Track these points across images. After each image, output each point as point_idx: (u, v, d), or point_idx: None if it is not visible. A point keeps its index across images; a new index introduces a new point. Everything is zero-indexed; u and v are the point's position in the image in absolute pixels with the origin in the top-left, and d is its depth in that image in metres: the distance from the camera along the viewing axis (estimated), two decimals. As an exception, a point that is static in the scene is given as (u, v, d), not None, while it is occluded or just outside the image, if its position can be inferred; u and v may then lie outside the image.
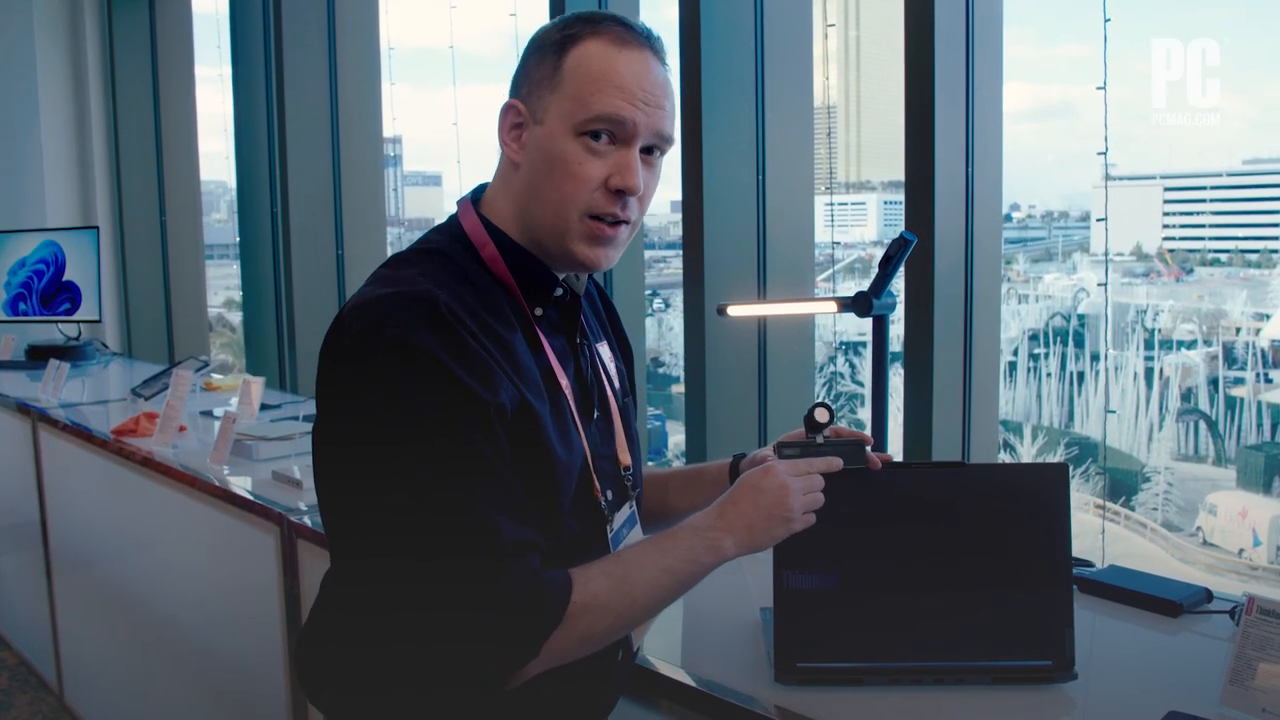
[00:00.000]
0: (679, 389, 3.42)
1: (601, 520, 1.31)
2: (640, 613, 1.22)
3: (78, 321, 4.62)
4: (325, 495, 1.23)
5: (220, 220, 6.91)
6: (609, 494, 1.33)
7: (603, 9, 3.47)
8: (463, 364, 1.13)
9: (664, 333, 7.09)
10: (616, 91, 1.20)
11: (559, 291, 1.31)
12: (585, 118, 1.20)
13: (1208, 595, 1.64)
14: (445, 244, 1.28)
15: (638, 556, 1.23)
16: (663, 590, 1.23)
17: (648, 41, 1.24)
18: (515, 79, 1.28)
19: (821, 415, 1.41)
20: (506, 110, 1.26)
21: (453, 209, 1.35)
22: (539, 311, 1.29)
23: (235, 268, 5.61)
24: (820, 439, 1.41)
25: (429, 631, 1.12)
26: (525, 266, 1.28)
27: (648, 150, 1.25)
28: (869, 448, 1.41)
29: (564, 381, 1.28)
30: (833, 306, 2.01)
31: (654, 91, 1.22)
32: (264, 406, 3.22)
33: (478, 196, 1.33)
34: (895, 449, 2.85)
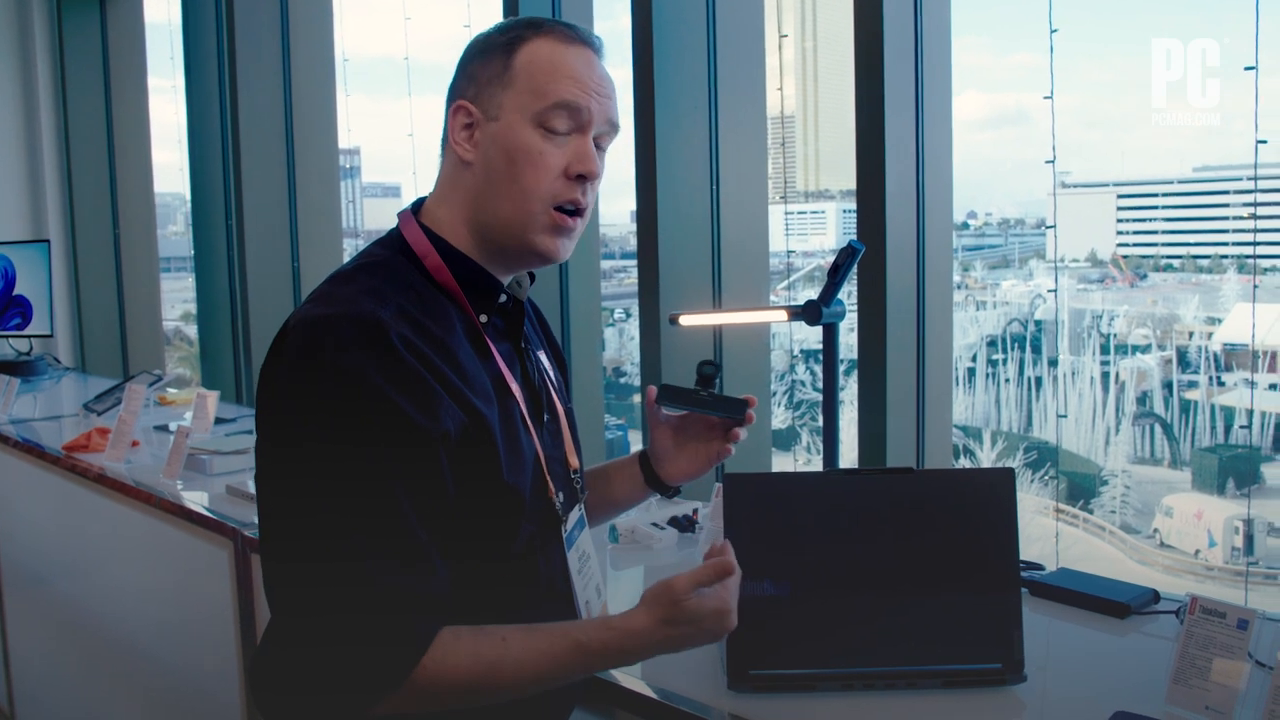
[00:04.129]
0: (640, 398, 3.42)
1: (556, 521, 1.33)
2: (502, 697, 1.19)
3: (29, 336, 4.57)
4: (259, 501, 1.25)
5: (177, 233, 6.84)
6: (561, 495, 1.35)
7: (556, 15, 3.47)
8: (402, 391, 1.15)
9: (625, 342, 7.10)
10: (571, 81, 1.25)
11: (503, 298, 1.33)
12: (544, 106, 1.24)
13: (1155, 596, 1.67)
14: (388, 256, 1.28)
15: (524, 648, 1.16)
16: (533, 685, 1.19)
17: (590, 40, 1.30)
18: (455, 85, 1.30)
19: (707, 369, 1.49)
20: (456, 111, 1.28)
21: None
22: (484, 318, 1.30)
23: (193, 280, 5.56)
24: (705, 392, 1.47)
25: (310, 639, 1.16)
26: (469, 274, 1.29)
27: (596, 140, 1.29)
28: (751, 408, 1.47)
29: (514, 386, 1.30)
30: (783, 315, 2.02)
31: (602, 83, 1.28)
32: (219, 420, 3.19)
33: (418, 208, 1.34)
34: (850, 456, 2.86)
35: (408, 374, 1.15)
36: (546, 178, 1.25)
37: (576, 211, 1.28)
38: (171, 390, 3.79)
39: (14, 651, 3.50)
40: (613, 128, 1.31)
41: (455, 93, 1.30)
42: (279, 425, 1.19)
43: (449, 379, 1.19)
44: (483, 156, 1.27)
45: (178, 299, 6.60)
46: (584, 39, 1.29)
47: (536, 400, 1.36)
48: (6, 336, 4.58)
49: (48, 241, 4.73)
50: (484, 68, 1.27)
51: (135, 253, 5.79)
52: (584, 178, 1.26)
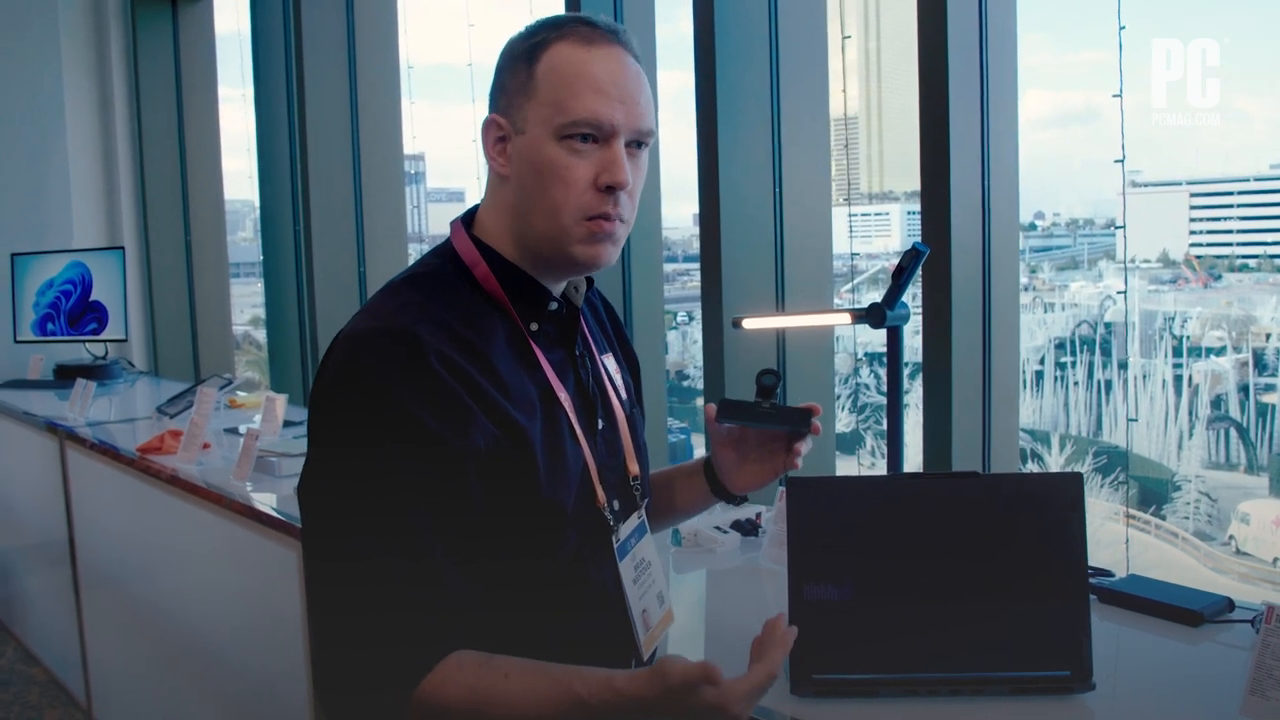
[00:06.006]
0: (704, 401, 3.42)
1: (606, 529, 1.32)
2: None
3: (104, 341, 4.67)
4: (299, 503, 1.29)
5: (247, 239, 6.97)
6: (615, 504, 1.34)
7: (618, 17, 3.48)
8: (430, 408, 1.16)
9: (688, 346, 7.09)
10: (592, 93, 1.21)
11: (554, 305, 1.33)
12: (565, 122, 1.21)
13: (1229, 604, 1.62)
14: (437, 266, 1.30)
15: (523, 689, 1.13)
16: None
17: (615, 37, 1.25)
18: (491, 95, 1.29)
19: (768, 380, 1.44)
20: (488, 126, 1.28)
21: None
22: (534, 326, 1.30)
23: (262, 286, 5.66)
24: (767, 404, 1.42)
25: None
26: (517, 283, 1.29)
27: (632, 144, 1.26)
28: (815, 417, 1.42)
29: (562, 395, 1.30)
30: (846, 318, 2.00)
31: (628, 87, 1.23)
32: (287, 423, 3.24)
33: (469, 217, 1.35)
34: (915, 460, 2.83)
35: (438, 390, 1.17)
36: (575, 191, 1.23)
37: (612, 218, 1.25)
38: (241, 393, 3.86)
39: (91, 646, 3.59)
40: (646, 135, 1.26)
41: (490, 103, 1.29)
42: (316, 435, 1.23)
43: (485, 393, 1.20)
44: (515, 171, 1.26)
45: (246, 304, 6.72)
46: (607, 37, 1.24)
47: (590, 408, 1.35)
48: (83, 341, 4.69)
49: (122, 248, 4.84)
50: (511, 78, 1.26)
51: (206, 258, 5.91)
52: (613, 188, 1.23)
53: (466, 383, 1.19)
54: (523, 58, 1.25)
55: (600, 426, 1.36)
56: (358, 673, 1.16)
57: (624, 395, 1.45)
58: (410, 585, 1.16)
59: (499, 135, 1.27)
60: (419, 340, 1.18)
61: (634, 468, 1.41)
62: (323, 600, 1.20)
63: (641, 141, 1.27)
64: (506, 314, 1.29)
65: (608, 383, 1.41)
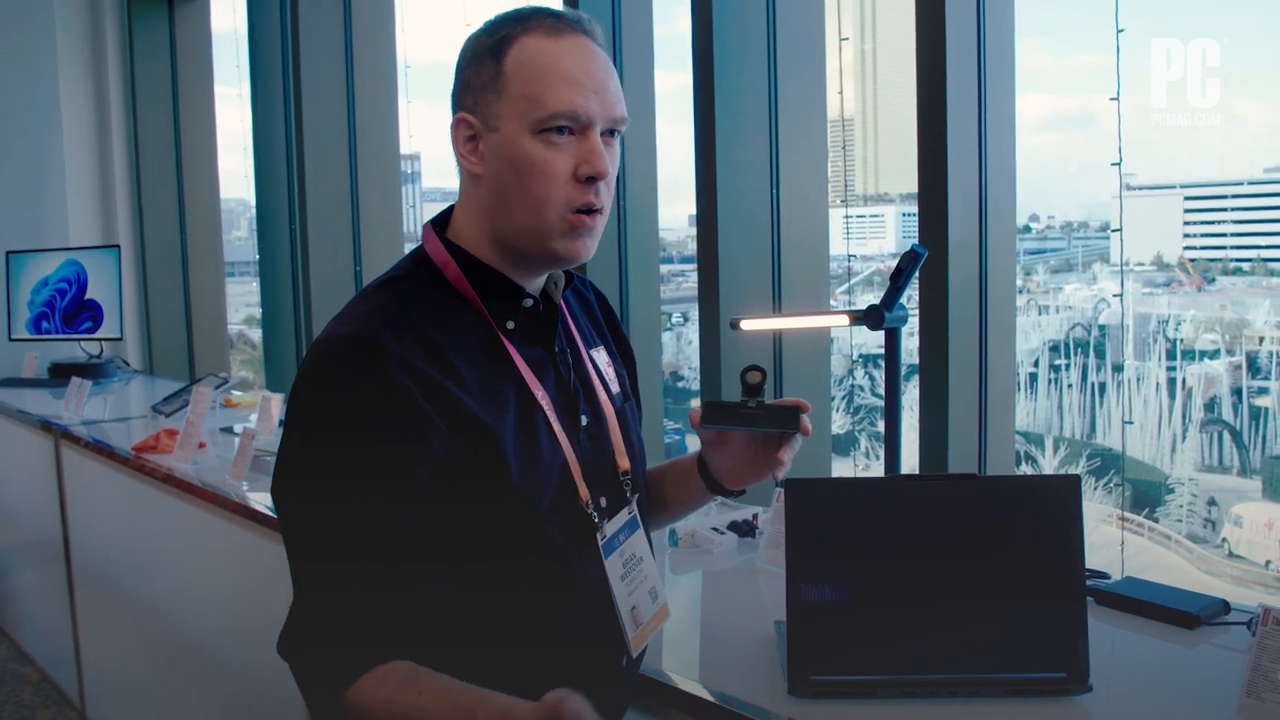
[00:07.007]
0: (698, 403, 3.41)
1: (589, 526, 1.31)
2: None
3: (100, 339, 4.66)
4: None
5: (241, 238, 6.95)
6: (602, 500, 1.33)
7: (616, 17, 3.49)
8: (386, 414, 1.17)
9: (683, 347, 7.09)
10: (566, 85, 1.21)
11: (529, 302, 1.32)
12: (542, 115, 1.21)
13: (1225, 607, 1.63)
14: (410, 270, 1.30)
15: (429, 710, 1.13)
16: None
17: (580, 26, 1.25)
18: (455, 95, 1.28)
19: (753, 377, 1.38)
20: (457, 125, 1.27)
21: None
22: (511, 325, 1.30)
23: (256, 285, 5.65)
24: (753, 403, 1.37)
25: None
26: (490, 282, 1.29)
27: (606, 132, 1.25)
28: (805, 413, 1.38)
29: (539, 393, 1.29)
30: (844, 320, 2.01)
31: (600, 76, 1.23)
32: (282, 422, 3.24)
33: (442, 220, 1.35)
34: (909, 462, 2.84)
35: (397, 398, 1.18)
36: (556, 184, 1.22)
37: (592, 210, 1.25)
38: (236, 393, 3.86)
39: (85, 646, 3.58)
40: (619, 123, 1.26)
41: (455, 102, 1.28)
42: (284, 436, 1.25)
43: (448, 396, 1.20)
44: (490, 169, 1.25)
45: (241, 303, 6.70)
46: (573, 27, 1.24)
47: (572, 404, 1.34)
48: (78, 340, 4.68)
49: (118, 247, 4.83)
50: (477, 75, 1.25)
51: (201, 257, 5.90)
52: (594, 179, 1.23)
53: (428, 388, 1.19)
54: (488, 54, 1.24)
55: (584, 423, 1.35)
56: (302, 672, 1.22)
57: (614, 389, 1.43)
58: (348, 592, 1.18)
59: (469, 134, 1.26)
60: (381, 347, 1.18)
61: (623, 463, 1.39)
62: (292, 603, 1.24)
63: (615, 130, 1.26)
64: (479, 314, 1.28)
65: (595, 378, 1.40)
